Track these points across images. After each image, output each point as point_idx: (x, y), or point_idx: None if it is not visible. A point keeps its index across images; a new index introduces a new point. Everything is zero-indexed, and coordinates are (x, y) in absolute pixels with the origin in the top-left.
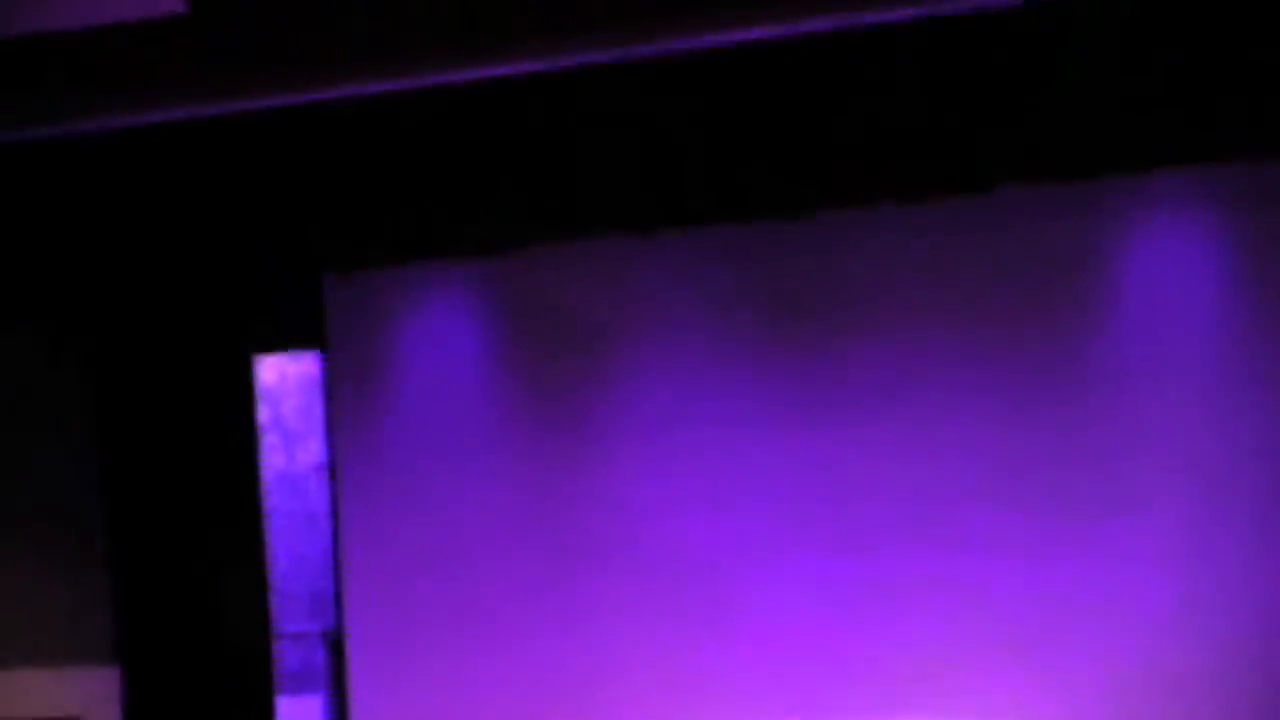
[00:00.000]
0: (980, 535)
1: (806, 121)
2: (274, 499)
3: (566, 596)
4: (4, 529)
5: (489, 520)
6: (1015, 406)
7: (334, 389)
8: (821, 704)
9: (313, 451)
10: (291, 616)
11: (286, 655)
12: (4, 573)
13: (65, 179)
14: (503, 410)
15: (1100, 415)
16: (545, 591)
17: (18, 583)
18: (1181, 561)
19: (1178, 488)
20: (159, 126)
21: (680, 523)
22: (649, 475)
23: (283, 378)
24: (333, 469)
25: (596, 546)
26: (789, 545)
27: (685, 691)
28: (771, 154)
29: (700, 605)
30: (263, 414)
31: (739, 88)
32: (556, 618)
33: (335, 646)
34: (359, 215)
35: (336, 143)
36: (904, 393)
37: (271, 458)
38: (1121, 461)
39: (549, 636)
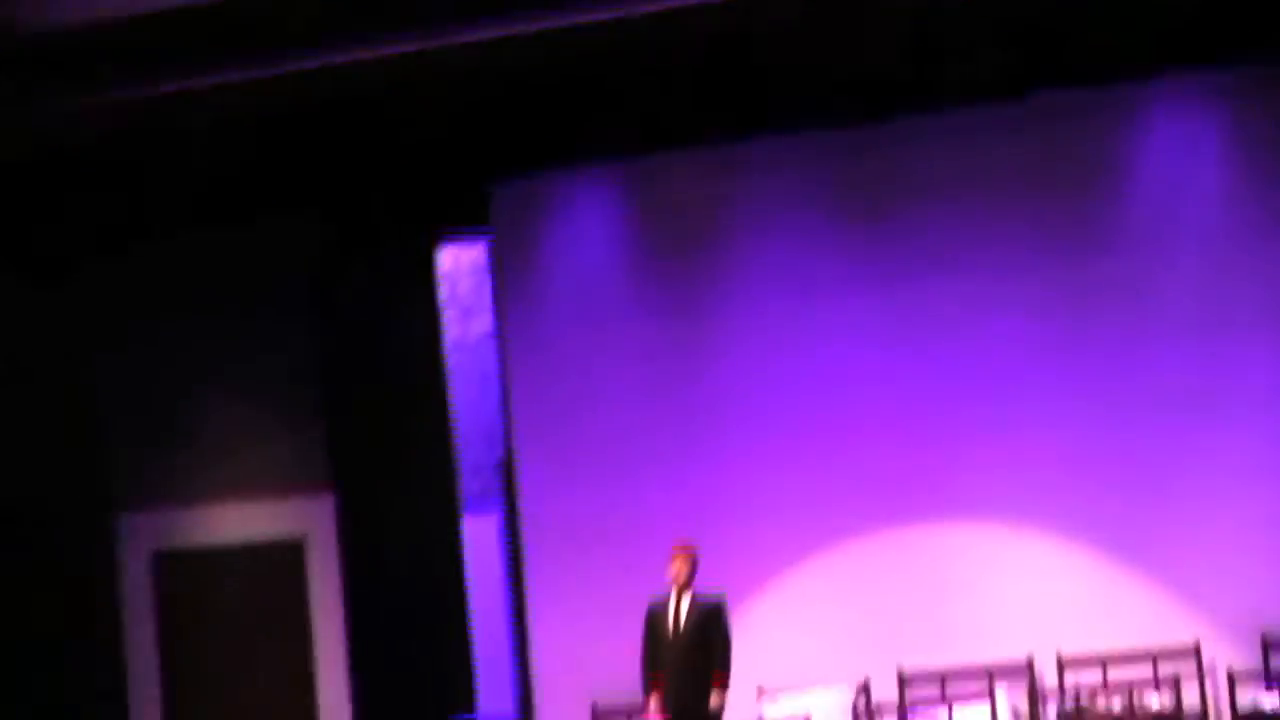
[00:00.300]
0: (1018, 371)
1: (871, 45)
2: (453, 359)
3: (697, 430)
4: (241, 386)
5: (627, 375)
6: (1047, 270)
7: (499, 272)
8: (905, 508)
9: (484, 321)
10: (471, 450)
11: (468, 481)
12: (238, 421)
13: (300, 108)
14: (638, 285)
15: (1116, 276)
16: (674, 432)
17: (249, 429)
18: (1181, 387)
19: (1180, 330)
20: (369, 61)
21: (780, 379)
22: (756, 339)
23: (458, 263)
24: (499, 337)
25: (718, 392)
26: (869, 390)
27: (785, 511)
28: (848, 72)
29: (801, 438)
30: (443, 292)
31: (811, 19)
32: (690, 447)
33: (507, 473)
34: (519, 132)
35: (503, 75)
36: (962, 261)
37: (451, 328)
38: (1132, 311)
39: (684, 461)
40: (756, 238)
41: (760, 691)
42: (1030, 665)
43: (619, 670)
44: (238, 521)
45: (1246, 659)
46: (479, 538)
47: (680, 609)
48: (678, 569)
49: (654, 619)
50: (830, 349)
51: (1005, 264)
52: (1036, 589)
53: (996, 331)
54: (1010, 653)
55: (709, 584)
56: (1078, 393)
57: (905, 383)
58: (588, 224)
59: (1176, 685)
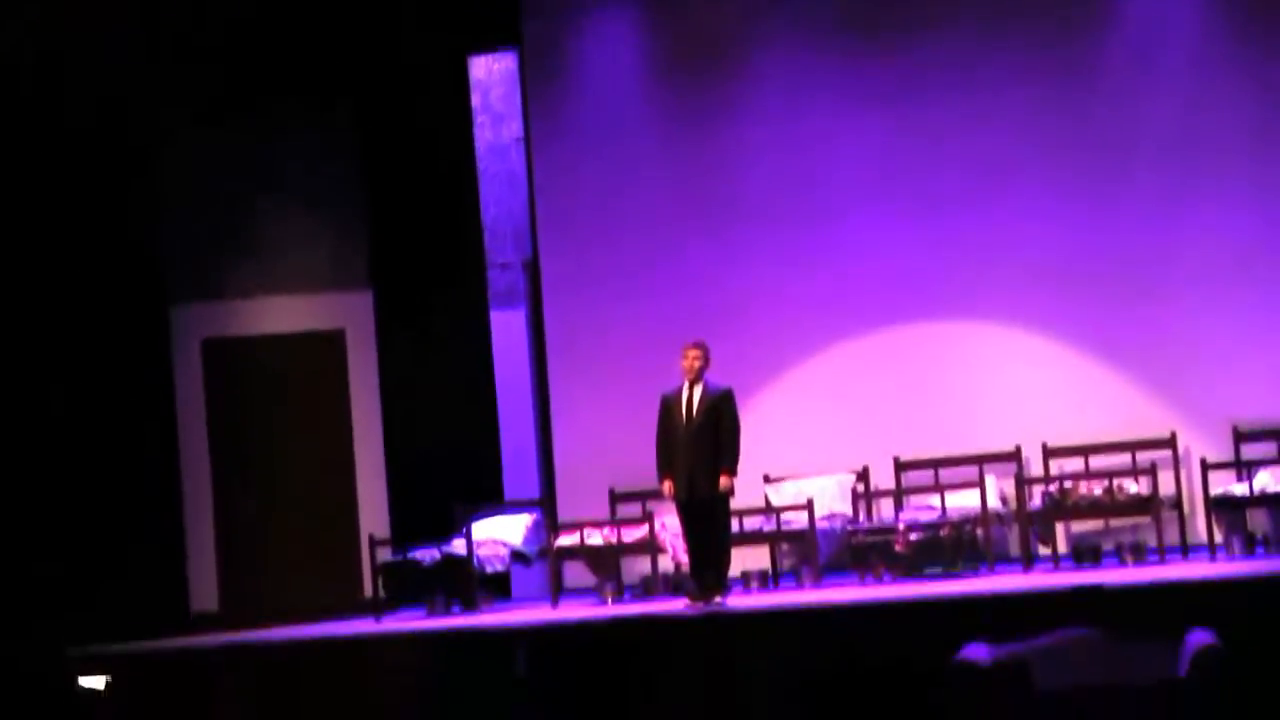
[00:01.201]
0: (1014, 188)
1: None
2: (484, 163)
3: (710, 235)
4: (289, 192)
5: (649, 180)
6: (1042, 93)
7: (529, 80)
8: (903, 309)
9: (514, 128)
10: (499, 250)
11: (495, 279)
12: (287, 224)
13: None
14: (658, 95)
15: (1106, 103)
16: (693, 232)
17: (297, 231)
18: (1162, 206)
19: (1162, 151)
20: None
21: (794, 182)
22: (767, 149)
23: (490, 72)
24: (527, 141)
25: (731, 199)
26: (869, 198)
27: (789, 310)
28: None
29: (808, 243)
30: (475, 99)
31: None
32: (703, 251)
33: (532, 272)
34: None
35: None
36: (960, 84)
37: (482, 133)
38: (1121, 138)
39: (698, 263)
40: (768, 53)
41: (765, 478)
42: (1017, 454)
43: (635, 458)
44: (284, 314)
45: (1219, 450)
46: (506, 333)
47: (692, 398)
48: (690, 362)
49: (667, 408)
50: (833, 158)
51: (997, 81)
52: (1023, 384)
53: (988, 143)
54: (998, 444)
55: (718, 379)
56: (1066, 196)
57: (903, 191)
58: (612, 37)
59: (1154, 473)
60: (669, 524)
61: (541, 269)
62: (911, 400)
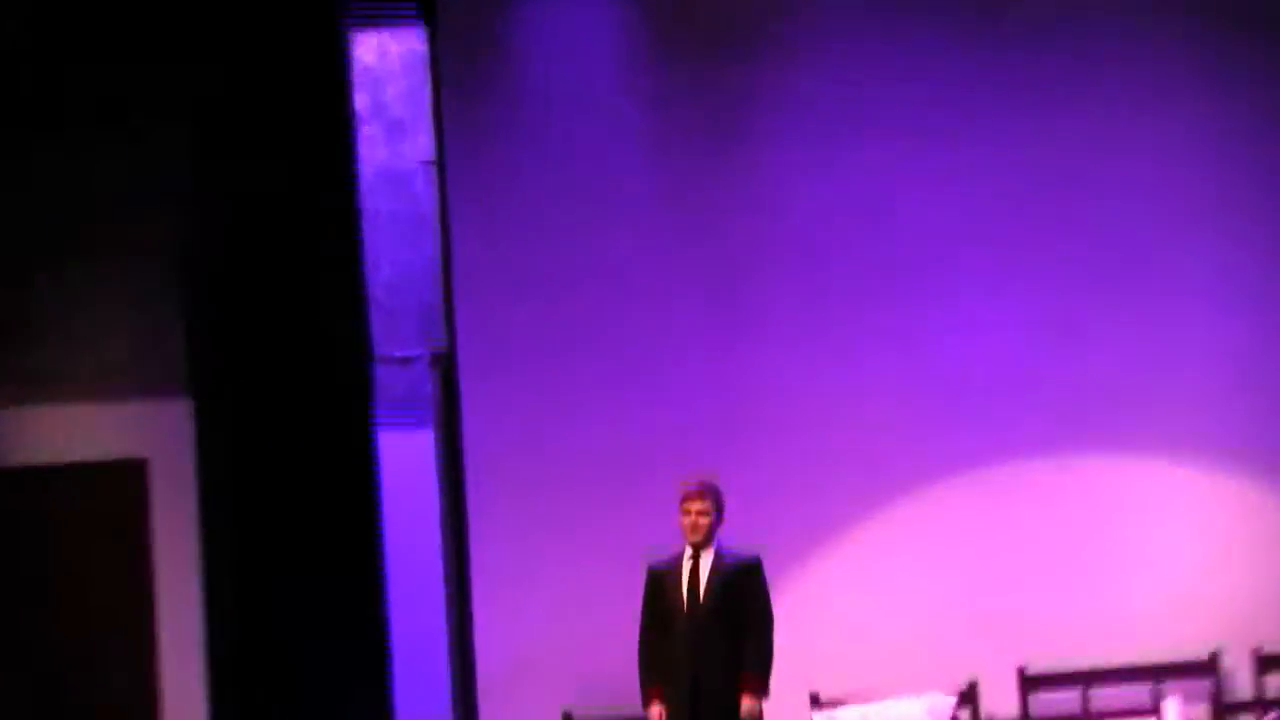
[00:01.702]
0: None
1: None
2: (374, 198)
3: (712, 314)
4: (70, 250)
5: (621, 230)
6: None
7: (444, 72)
8: (1012, 436)
9: (420, 145)
10: (394, 336)
11: (388, 380)
12: (61, 299)
13: None
14: (632, 107)
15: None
16: (688, 309)
17: (82, 311)
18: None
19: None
20: None
21: (842, 242)
22: (807, 188)
23: (384, 58)
24: (441, 164)
25: (746, 264)
26: (972, 272)
27: (848, 422)
28: None
29: (859, 333)
30: (361, 100)
31: None
32: (704, 337)
33: (445, 370)
34: None
35: None
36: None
37: (371, 151)
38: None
39: (695, 356)
40: (808, 42)
41: (814, 700)
42: (1213, 664)
43: (603, 660)
44: (56, 435)
45: None
46: (402, 463)
47: (698, 573)
48: (694, 518)
49: (658, 588)
50: (903, 208)
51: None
52: (1211, 548)
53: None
54: (1180, 646)
55: (736, 539)
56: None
57: (1019, 267)
58: (573, 14)
59: None
60: None
61: (459, 366)
62: (1038, 575)
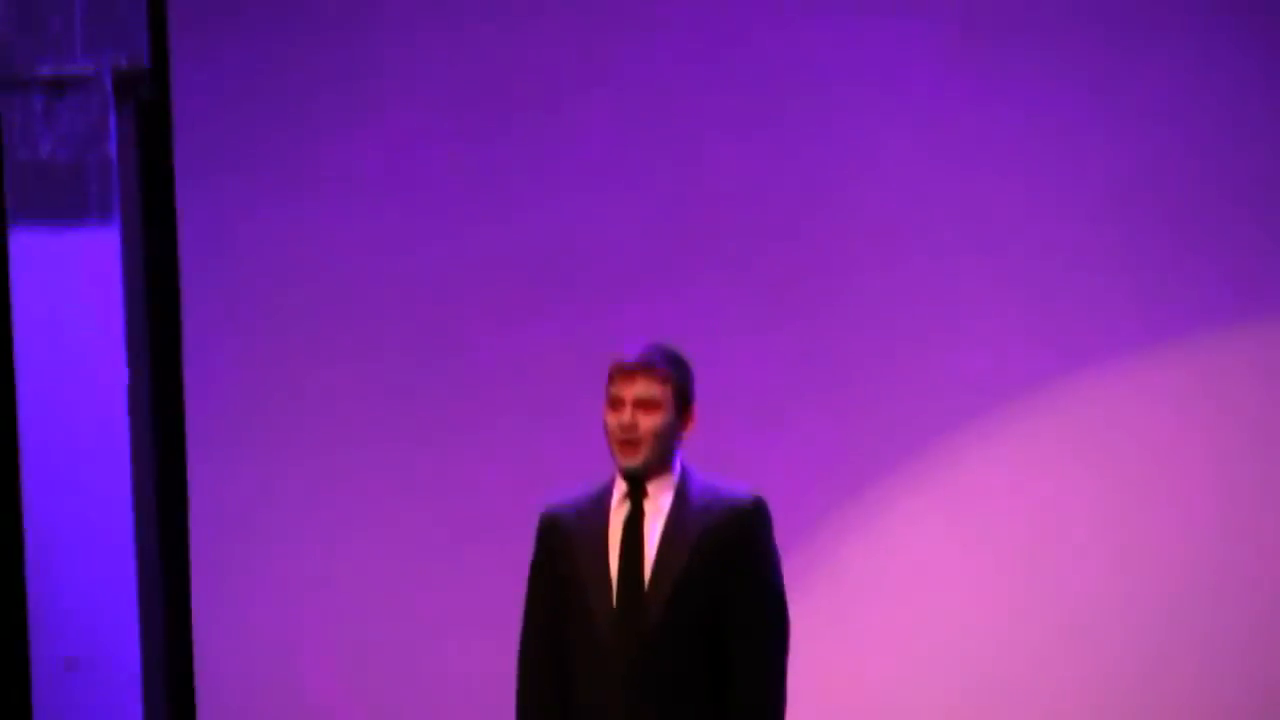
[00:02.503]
0: None
1: None
2: None
3: None
4: None
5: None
6: None
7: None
8: None
9: None
10: (44, 39)
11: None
12: None
13: None
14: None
15: None
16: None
17: None
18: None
19: None
20: None
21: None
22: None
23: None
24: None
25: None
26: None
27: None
28: None
29: None
30: None
31: None
32: None
33: (143, 108)
34: None
35: None
36: None
37: None
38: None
39: None
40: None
41: None
42: None
43: (416, 681)
44: None
45: None
46: (56, 288)
47: (643, 530)
48: (632, 413)
49: (558, 557)
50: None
51: None
52: None
53: None
54: None
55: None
56: None
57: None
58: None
59: None
60: None
61: (173, 105)
62: None
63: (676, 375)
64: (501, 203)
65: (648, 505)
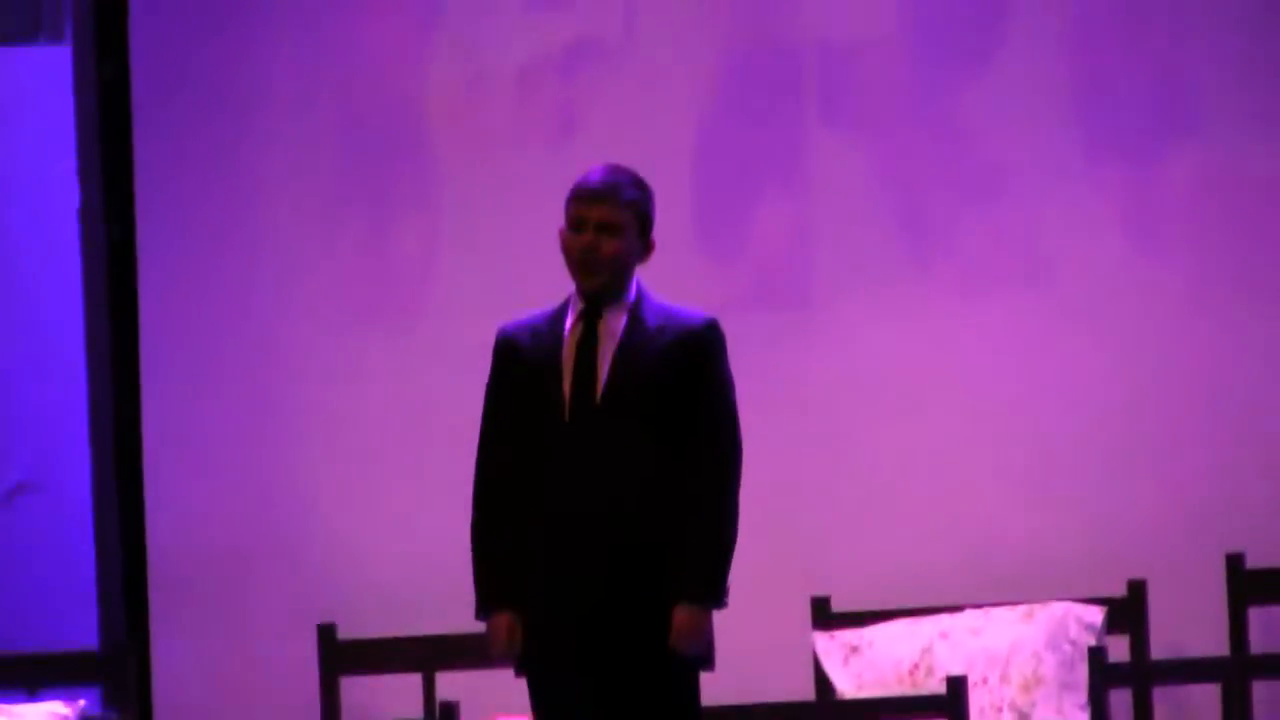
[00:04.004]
0: None
1: None
2: None
3: None
4: None
5: None
6: None
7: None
8: None
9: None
10: None
11: None
12: None
13: None
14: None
15: None
16: None
17: None
18: None
19: None
20: None
21: None
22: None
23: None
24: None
25: None
26: None
27: None
28: None
29: None
30: None
31: None
32: None
33: None
34: None
35: None
36: None
37: None
38: None
39: None
40: None
41: (820, 613)
42: None
43: (397, 538)
44: None
45: None
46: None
47: (597, 348)
48: (592, 235)
49: (514, 370)
50: None
51: None
52: None
53: None
54: None
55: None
56: None
57: None
58: None
59: None
60: None
61: None
62: None
63: (639, 201)
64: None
65: (602, 327)
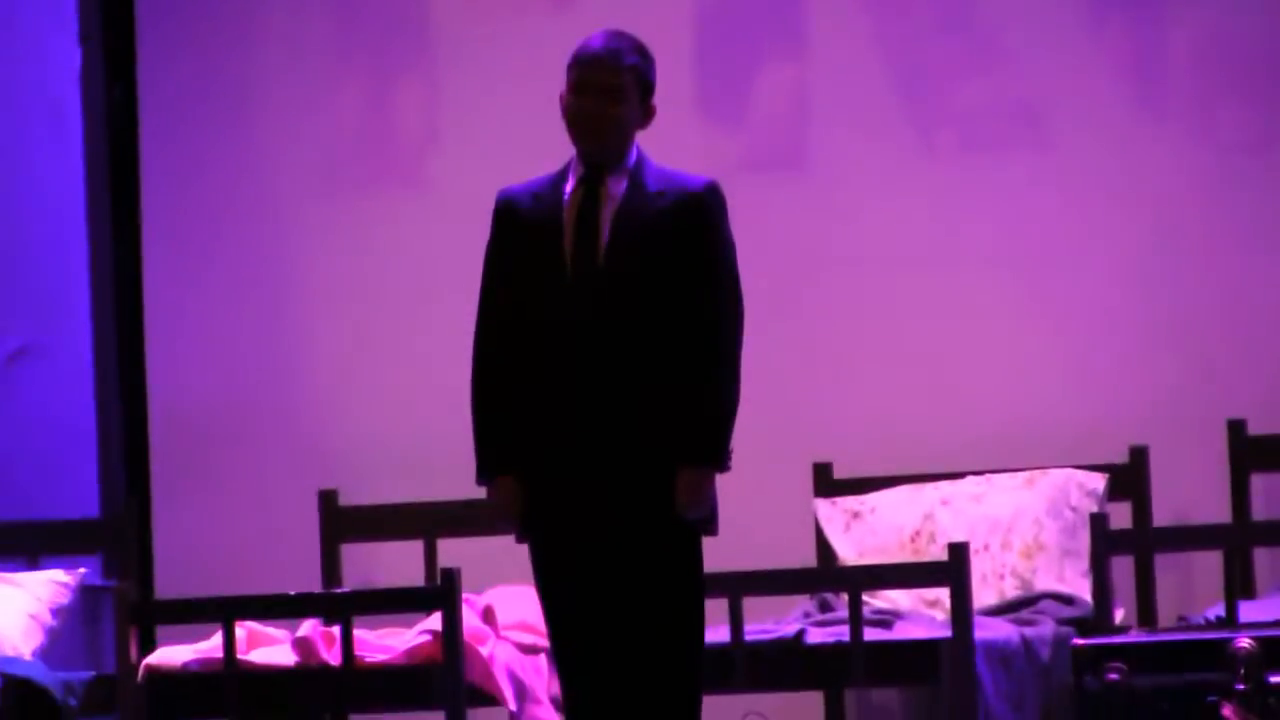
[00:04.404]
0: None
1: None
2: None
3: None
4: None
5: None
6: None
7: None
8: None
9: None
10: None
11: None
12: None
13: None
14: None
15: None
16: None
17: None
18: None
19: None
20: None
21: None
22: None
23: None
24: None
25: None
26: None
27: None
28: None
29: None
30: None
31: None
32: None
33: None
34: None
35: None
36: None
37: None
38: None
39: None
40: None
41: (821, 477)
42: None
43: (398, 404)
44: None
45: None
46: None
47: (597, 209)
48: (595, 96)
49: (514, 231)
50: None
51: None
52: None
53: None
54: None
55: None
56: None
57: None
58: None
59: None
60: (506, 614)
61: None
62: None
63: (640, 66)
64: None
65: (603, 190)
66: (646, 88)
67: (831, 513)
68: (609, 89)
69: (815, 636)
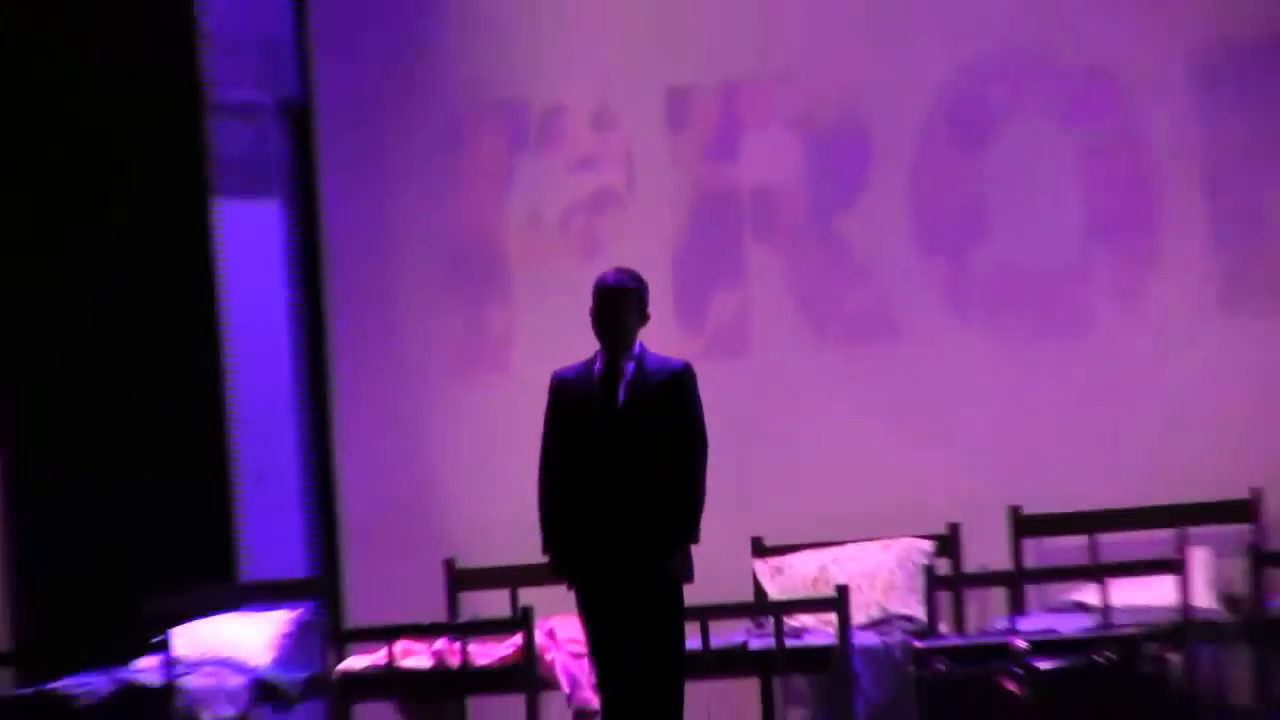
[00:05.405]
0: None
1: None
2: None
3: None
4: None
5: None
6: None
7: None
8: None
9: None
10: (231, 78)
11: (226, 138)
12: None
13: None
14: None
15: None
16: None
17: None
18: None
19: None
20: None
21: None
22: None
23: None
24: None
25: None
26: None
27: None
28: None
29: None
30: None
31: None
32: None
33: (298, 123)
34: None
35: None
36: None
37: None
38: None
39: None
40: None
41: (757, 547)
42: (1250, 506)
43: (501, 501)
44: None
45: None
46: (241, 244)
47: (615, 377)
48: (607, 318)
49: (563, 395)
50: None
51: None
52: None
53: None
54: (1208, 484)
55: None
56: None
57: None
58: None
59: None
60: (562, 633)
61: (317, 117)
62: (1031, 407)
63: (639, 290)
64: None
65: (618, 370)
66: (643, 304)
67: (763, 568)
68: (619, 307)
69: (754, 644)
